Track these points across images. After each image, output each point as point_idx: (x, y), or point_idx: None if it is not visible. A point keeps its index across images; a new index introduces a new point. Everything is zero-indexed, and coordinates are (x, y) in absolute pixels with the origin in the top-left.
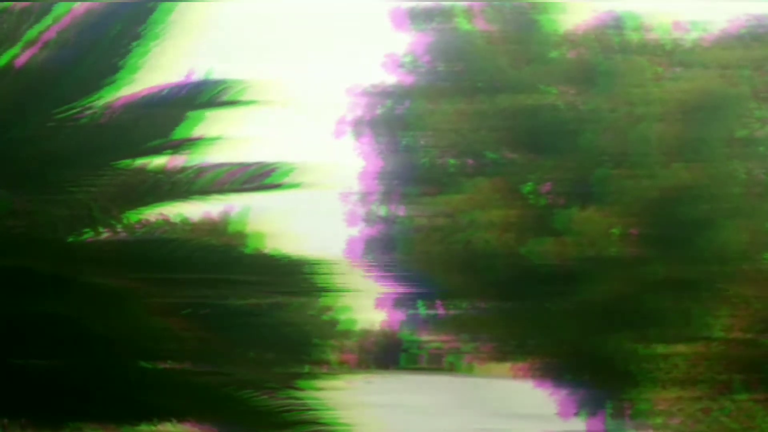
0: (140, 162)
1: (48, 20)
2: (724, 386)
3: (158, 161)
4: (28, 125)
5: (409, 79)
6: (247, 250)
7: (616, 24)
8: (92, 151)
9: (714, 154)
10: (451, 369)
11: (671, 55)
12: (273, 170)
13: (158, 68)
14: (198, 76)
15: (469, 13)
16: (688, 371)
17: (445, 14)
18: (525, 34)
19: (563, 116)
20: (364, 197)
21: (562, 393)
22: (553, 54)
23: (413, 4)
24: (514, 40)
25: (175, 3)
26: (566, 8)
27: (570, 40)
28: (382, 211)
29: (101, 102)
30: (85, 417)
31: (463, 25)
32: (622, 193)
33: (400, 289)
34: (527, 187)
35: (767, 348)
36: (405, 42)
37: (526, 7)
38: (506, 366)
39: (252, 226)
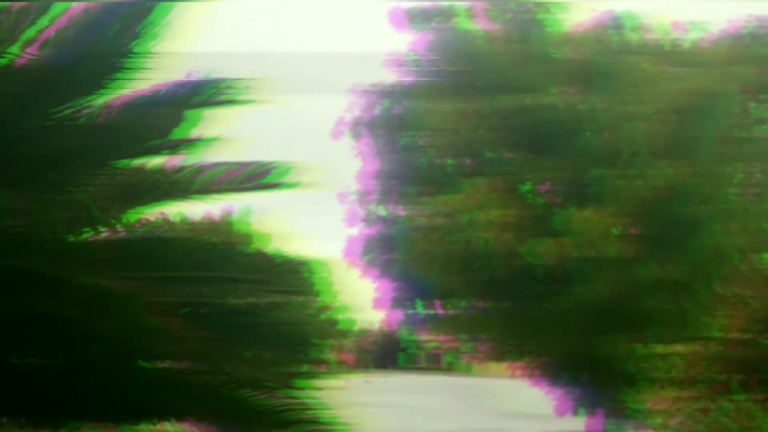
0: (139, 161)
1: (46, 20)
2: (722, 386)
3: (157, 161)
4: (26, 125)
5: (408, 79)
6: (246, 250)
7: (616, 24)
8: (91, 151)
9: (711, 154)
10: (450, 369)
11: (670, 55)
12: (271, 170)
13: (157, 68)
14: (197, 75)
15: (470, 12)
16: (686, 371)
17: (444, 14)
18: (526, 34)
19: (562, 116)
20: (363, 197)
21: (560, 393)
22: (554, 54)
23: (413, 3)
24: (515, 40)
25: (173, 3)
26: (566, 8)
27: (570, 40)
28: (381, 211)
29: (100, 101)
30: (84, 417)
31: (463, 24)
32: (620, 193)
33: (399, 289)
34: (526, 187)
35: (766, 348)
36: (405, 41)
37: (529, 6)
38: (504, 366)
39: (251, 225)
